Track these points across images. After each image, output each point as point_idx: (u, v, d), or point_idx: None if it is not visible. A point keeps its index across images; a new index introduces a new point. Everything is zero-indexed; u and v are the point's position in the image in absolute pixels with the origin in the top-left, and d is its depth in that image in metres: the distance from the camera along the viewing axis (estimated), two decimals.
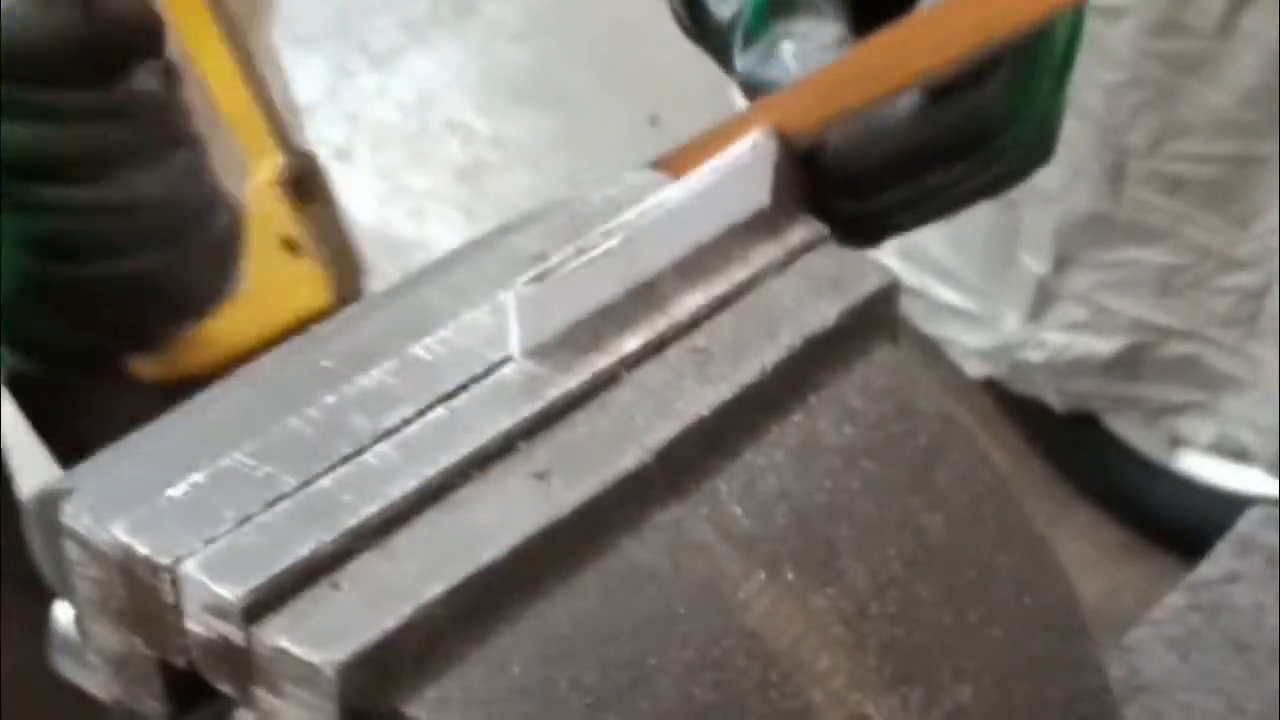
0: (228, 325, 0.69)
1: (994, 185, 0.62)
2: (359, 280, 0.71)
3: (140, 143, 0.60)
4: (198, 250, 0.62)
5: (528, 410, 0.50)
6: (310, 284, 0.70)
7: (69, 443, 0.87)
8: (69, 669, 0.50)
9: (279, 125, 0.70)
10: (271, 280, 0.69)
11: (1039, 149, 0.62)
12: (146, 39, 0.60)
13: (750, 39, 0.60)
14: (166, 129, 0.61)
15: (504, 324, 0.51)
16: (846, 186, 0.59)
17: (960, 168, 0.60)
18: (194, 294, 0.64)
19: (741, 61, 0.61)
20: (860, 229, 0.60)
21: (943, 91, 0.58)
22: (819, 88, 0.58)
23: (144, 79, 0.60)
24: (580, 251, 0.52)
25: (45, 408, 0.86)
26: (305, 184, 0.69)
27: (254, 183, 0.68)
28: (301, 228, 0.69)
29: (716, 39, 0.63)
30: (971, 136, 0.59)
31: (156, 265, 0.59)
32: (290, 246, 0.69)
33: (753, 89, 0.60)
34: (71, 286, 0.61)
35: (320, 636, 0.44)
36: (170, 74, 0.61)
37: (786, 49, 0.60)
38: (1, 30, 0.56)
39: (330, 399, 0.50)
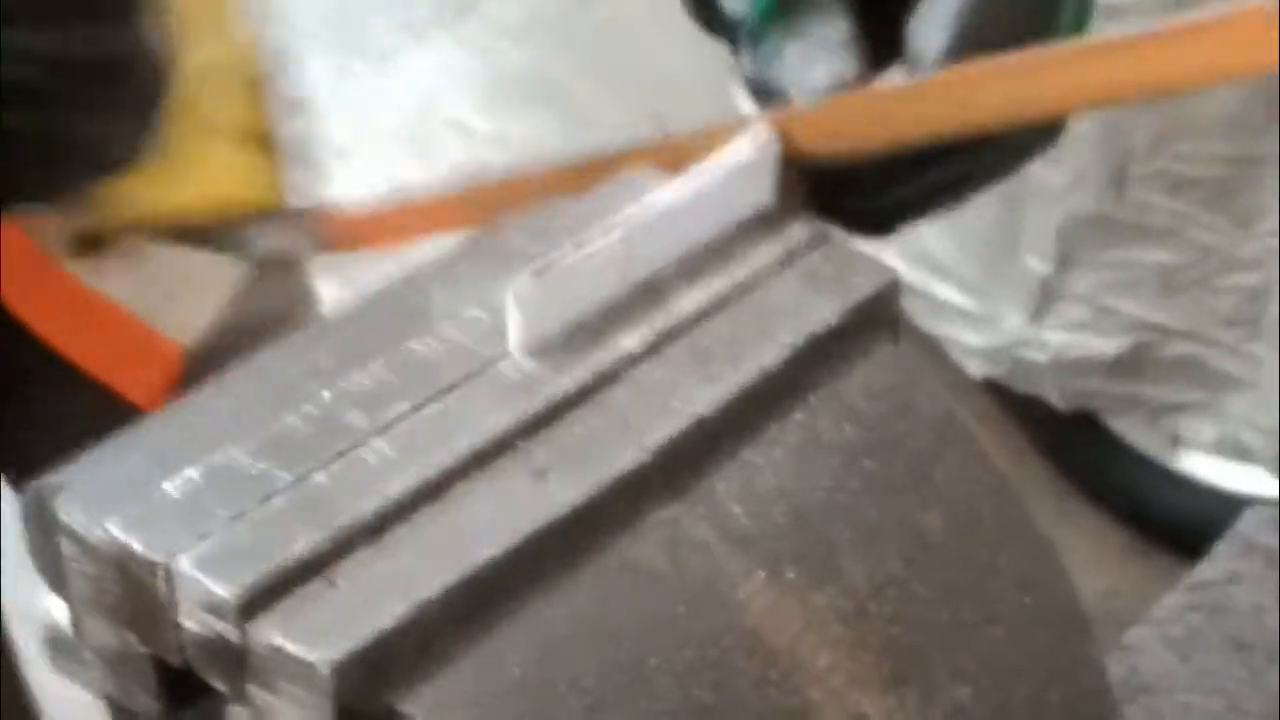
0: (151, 192, 0.68)
1: (1003, 170, 0.61)
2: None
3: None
4: (118, 107, 0.62)
5: (526, 408, 0.50)
6: (255, 176, 0.69)
7: (9, 452, 0.88)
8: (63, 666, 0.50)
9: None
10: (213, 161, 0.68)
11: (1049, 129, 0.62)
12: None
13: (757, 37, 0.60)
14: None
15: (503, 321, 0.51)
16: (851, 185, 0.59)
17: (966, 162, 0.59)
18: (109, 150, 0.64)
19: (747, 60, 0.61)
20: (866, 223, 0.60)
21: None
22: (841, 114, 0.58)
23: None
24: (580, 249, 0.52)
25: None
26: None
27: (214, 62, 0.67)
28: (265, 121, 0.68)
29: (725, 30, 0.62)
30: (976, 135, 0.59)
31: (76, 118, 0.59)
32: (247, 136, 0.68)
33: (756, 88, 0.60)
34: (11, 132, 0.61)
35: (315, 634, 0.44)
36: None
37: (791, 50, 0.59)
38: None
39: (327, 396, 0.49)
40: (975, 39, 0.57)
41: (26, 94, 0.61)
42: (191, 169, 0.68)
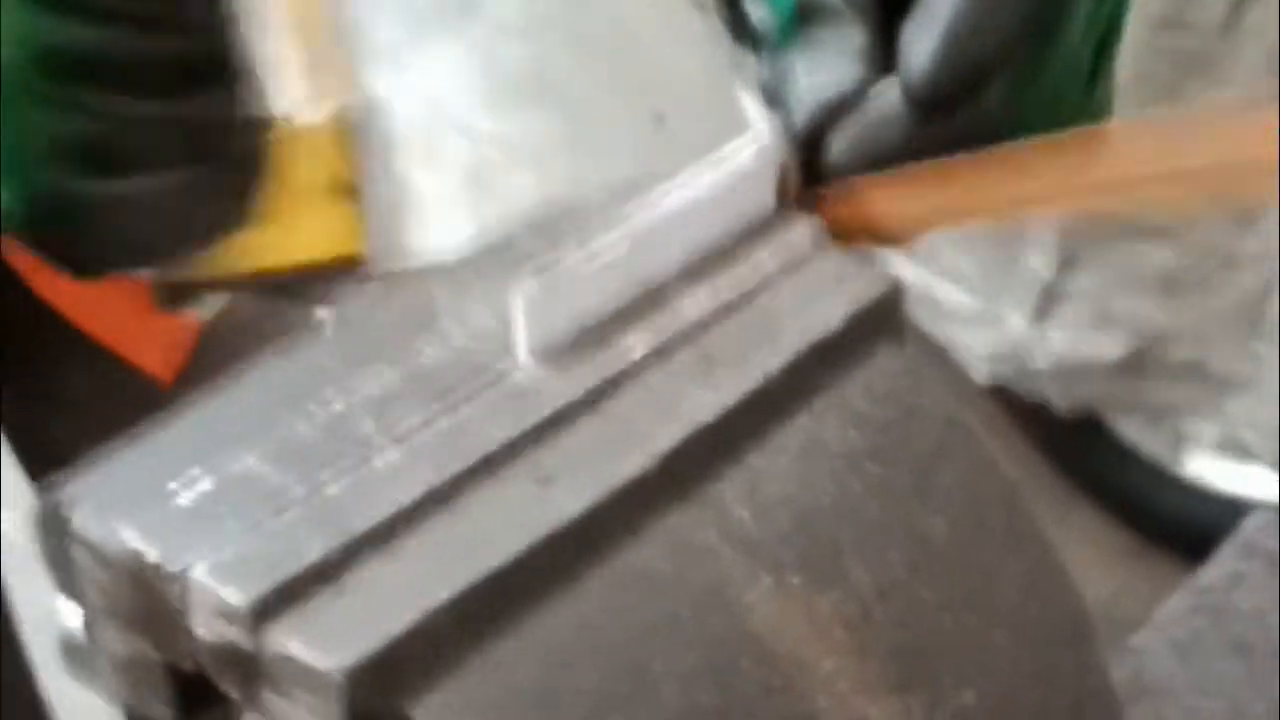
0: (248, 253, 0.68)
1: None
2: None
3: (190, 60, 0.61)
4: (219, 174, 0.62)
5: (533, 415, 0.50)
6: (348, 230, 0.68)
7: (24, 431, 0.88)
8: (77, 673, 0.50)
9: (347, 59, 0.70)
10: (306, 217, 0.68)
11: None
12: None
13: (776, 49, 0.61)
14: (217, 48, 0.62)
15: (510, 328, 0.51)
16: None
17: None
18: (211, 217, 0.64)
19: (762, 71, 0.61)
20: None
21: (935, 102, 0.58)
22: (922, 188, 0.58)
23: None
24: (586, 255, 0.52)
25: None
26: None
27: (311, 116, 0.67)
28: (353, 172, 0.68)
29: (752, 42, 0.63)
30: (972, 146, 0.59)
31: (178, 185, 0.60)
32: (337, 189, 0.68)
33: (768, 99, 0.61)
34: (88, 197, 0.61)
35: (327, 641, 0.44)
36: None
37: (800, 64, 0.60)
38: None
39: (337, 404, 0.50)
40: (966, 51, 0.57)
41: (121, 160, 0.61)
42: (288, 230, 0.68)
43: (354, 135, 0.69)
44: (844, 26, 0.59)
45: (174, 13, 0.61)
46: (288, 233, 0.68)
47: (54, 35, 0.60)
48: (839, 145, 0.59)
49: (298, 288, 0.69)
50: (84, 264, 0.65)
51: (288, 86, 0.66)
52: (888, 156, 0.59)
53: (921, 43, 0.57)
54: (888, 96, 0.58)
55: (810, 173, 0.59)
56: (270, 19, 0.67)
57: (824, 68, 0.59)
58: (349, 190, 0.68)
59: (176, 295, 0.71)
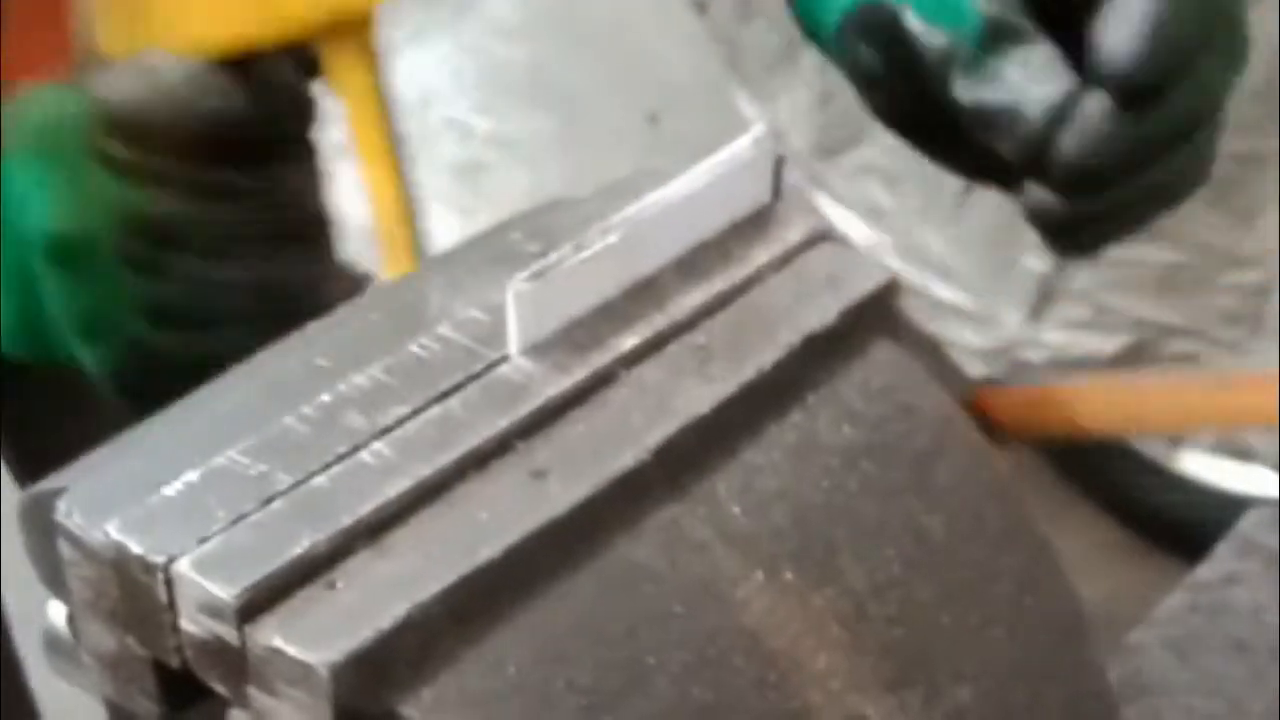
0: None
1: (1196, 177, 0.63)
2: None
3: (270, 226, 0.64)
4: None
5: (525, 409, 0.50)
6: None
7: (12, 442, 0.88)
8: (62, 669, 0.49)
9: (418, 242, 0.73)
10: None
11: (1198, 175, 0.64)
12: (297, 122, 0.66)
13: (972, 67, 0.62)
14: (300, 215, 0.66)
15: (502, 322, 0.51)
16: (1069, 183, 0.60)
17: (1176, 161, 0.61)
18: None
19: (963, 88, 0.63)
20: (1079, 235, 0.62)
21: (1141, 89, 0.60)
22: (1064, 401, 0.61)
23: (286, 162, 0.65)
24: (579, 249, 0.52)
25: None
26: None
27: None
28: None
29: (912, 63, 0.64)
30: (1182, 130, 0.61)
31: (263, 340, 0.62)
32: None
33: (977, 111, 0.63)
34: (174, 355, 0.64)
35: (315, 636, 0.44)
36: (310, 155, 0.66)
37: (1012, 72, 0.62)
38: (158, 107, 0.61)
39: (326, 397, 0.49)
40: (1172, 32, 0.58)
41: (205, 318, 0.64)
42: None
43: None
44: (1030, 41, 0.62)
45: (269, 187, 0.64)
46: None
47: (141, 206, 0.62)
48: (1069, 143, 0.61)
49: None
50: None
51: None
52: (1109, 154, 0.60)
53: (1121, 31, 0.59)
54: (1097, 97, 0.60)
55: (1035, 171, 0.61)
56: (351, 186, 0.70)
57: (1041, 76, 0.61)
58: None
59: None
